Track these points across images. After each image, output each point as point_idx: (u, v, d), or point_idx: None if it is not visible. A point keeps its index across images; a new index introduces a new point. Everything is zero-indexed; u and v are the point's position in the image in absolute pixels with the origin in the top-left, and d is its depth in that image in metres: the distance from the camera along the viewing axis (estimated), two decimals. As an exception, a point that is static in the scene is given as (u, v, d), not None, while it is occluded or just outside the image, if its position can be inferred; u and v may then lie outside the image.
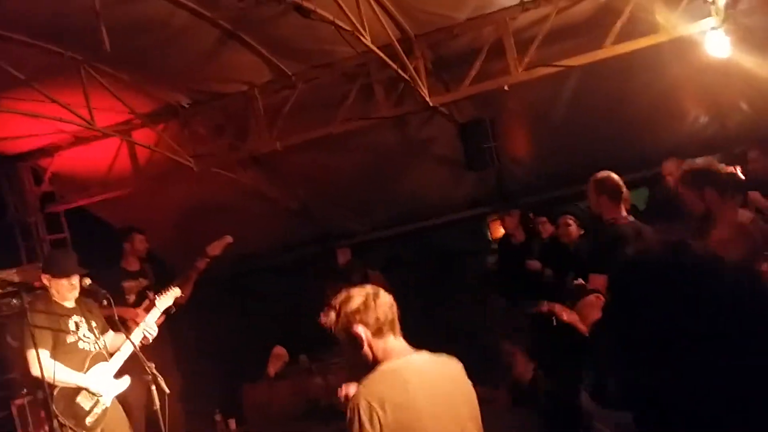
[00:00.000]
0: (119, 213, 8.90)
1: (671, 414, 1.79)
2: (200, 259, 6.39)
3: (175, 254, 8.57)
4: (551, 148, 7.99)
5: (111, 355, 5.18)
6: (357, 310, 2.71)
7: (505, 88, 6.51)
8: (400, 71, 6.25)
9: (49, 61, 6.18)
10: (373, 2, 5.78)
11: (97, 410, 5.00)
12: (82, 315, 5.13)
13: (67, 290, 5.01)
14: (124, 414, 5.35)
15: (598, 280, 3.64)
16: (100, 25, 5.03)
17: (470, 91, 6.60)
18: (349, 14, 5.29)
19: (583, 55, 6.31)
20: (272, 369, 8.86)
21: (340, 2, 5.14)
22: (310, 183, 8.79)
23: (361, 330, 2.68)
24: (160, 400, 4.75)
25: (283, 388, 8.75)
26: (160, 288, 5.70)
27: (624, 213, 4.78)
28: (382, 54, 5.94)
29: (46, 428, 5.29)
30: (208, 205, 8.65)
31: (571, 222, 6.77)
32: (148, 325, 5.33)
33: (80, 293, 5.13)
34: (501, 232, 8.26)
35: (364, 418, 2.51)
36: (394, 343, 2.73)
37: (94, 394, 4.97)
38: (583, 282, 3.75)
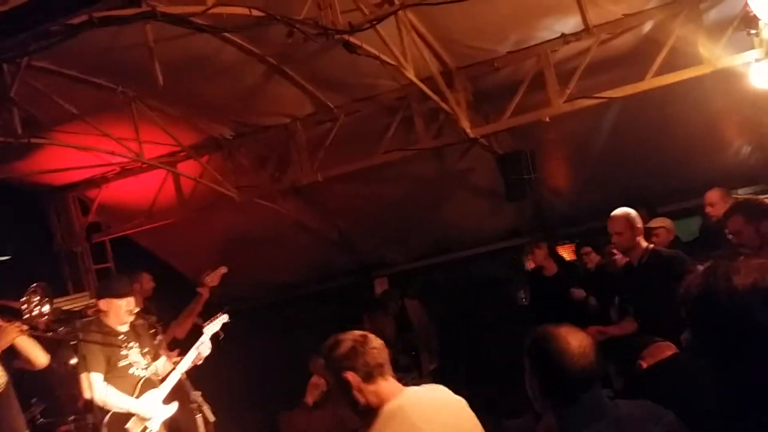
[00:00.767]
0: (162, 243, 9.10)
1: None
2: (200, 289, 6.50)
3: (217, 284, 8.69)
4: (590, 180, 8.00)
5: (162, 380, 5.27)
6: (345, 356, 2.70)
7: (546, 119, 6.56)
8: (441, 103, 6.35)
9: (101, 96, 6.39)
10: (416, 36, 5.91)
11: (146, 436, 5.07)
12: (135, 340, 5.23)
13: (124, 313, 5.13)
14: (170, 440, 5.43)
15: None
16: (153, 61, 5.19)
17: (511, 123, 6.67)
18: (393, 49, 5.42)
19: (625, 87, 6.34)
20: (310, 398, 8.86)
21: (384, 37, 5.27)
22: (350, 213, 8.89)
23: (349, 376, 2.67)
24: (206, 428, 4.83)
25: (321, 417, 8.72)
26: (208, 315, 5.78)
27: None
28: (424, 86, 6.04)
29: (95, 455, 5.35)
30: (249, 236, 8.78)
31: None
32: (202, 345, 5.43)
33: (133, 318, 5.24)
34: (532, 264, 8.23)
35: None
36: (386, 385, 2.71)
37: (144, 419, 5.05)
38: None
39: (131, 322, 5.26)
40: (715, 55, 6.02)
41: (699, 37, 6.06)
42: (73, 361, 5.00)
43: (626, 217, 4.94)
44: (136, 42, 5.29)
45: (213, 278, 6.54)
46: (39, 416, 5.99)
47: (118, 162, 7.66)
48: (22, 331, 4.18)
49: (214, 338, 5.57)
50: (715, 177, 7.16)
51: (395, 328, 9.01)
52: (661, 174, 7.60)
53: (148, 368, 5.24)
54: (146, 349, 5.28)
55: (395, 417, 2.63)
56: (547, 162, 7.79)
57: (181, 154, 7.74)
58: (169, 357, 5.37)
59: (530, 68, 6.60)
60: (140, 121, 6.65)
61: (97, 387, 4.71)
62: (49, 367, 4.77)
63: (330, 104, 7.16)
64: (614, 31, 6.33)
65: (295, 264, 9.30)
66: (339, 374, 2.70)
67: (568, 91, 6.45)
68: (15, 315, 4.19)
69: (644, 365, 3.55)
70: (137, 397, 5.07)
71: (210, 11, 3.91)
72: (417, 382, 4.23)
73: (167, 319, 6.51)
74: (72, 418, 6.15)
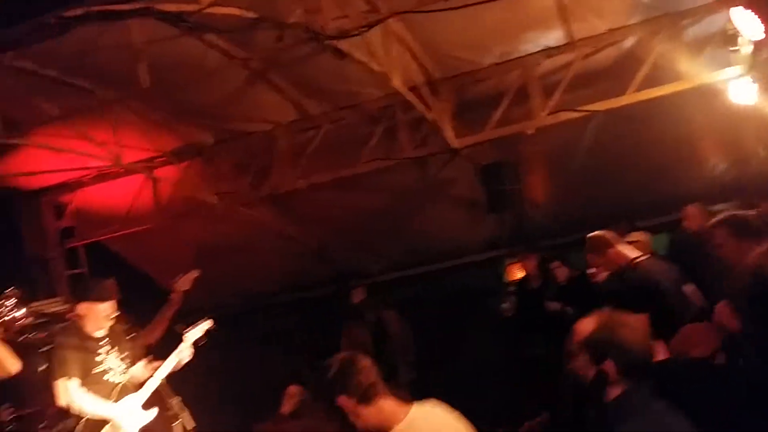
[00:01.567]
0: (137, 249, 8.96)
1: None
2: (172, 295, 6.35)
3: (192, 291, 8.57)
4: (571, 192, 8.05)
5: (140, 385, 5.17)
6: (334, 380, 2.59)
7: (530, 131, 6.60)
8: (425, 113, 6.35)
9: (80, 98, 6.30)
10: (402, 46, 5.91)
11: (121, 443, 4.96)
12: (113, 344, 5.13)
13: (103, 318, 5.02)
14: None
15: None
16: (138, 62, 5.15)
17: (494, 134, 6.70)
18: (380, 57, 5.42)
19: (607, 101, 6.41)
20: (287, 407, 8.77)
21: (371, 46, 5.28)
22: (329, 222, 8.84)
23: (343, 401, 2.56)
24: (182, 435, 4.75)
25: (295, 428, 8.64)
26: (188, 322, 5.69)
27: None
28: (409, 95, 6.05)
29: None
30: (226, 243, 8.69)
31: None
32: (182, 353, 5.34)
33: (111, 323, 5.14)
34: (518, 275, 8.26)
35: None
36: (387, 404, 2.59)
37: (120, 426, 4.94)
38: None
39: (109, 328, 5.17)
40: (695, 71, 6.12)
41: (679, 54, 6.15)
42: (44, 367, 4.87)
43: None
44: (119, 43, 5.24)
45: (184, 282, 6.36)
46: (9, 422, 5.87)
47: (95, 166, 7.54)
48: (-6, 337, 4.06)
49: (195, 344, 5.49)
50: (694, 192, 7.27)
51: (372, 338, 8.97)
52: (641, 188, 7.68)
53: (125, 374, 5.14)
54: (124, 354, 5.18)
55: None
56: (529, 174, 7.82)
57: (160, 159, 7.65)
58: (146, 363, 5.26)
59: (514, 80, 6.65)
60: (119, 125, 6.57)
61: (72, 393, 4.60)
62: (21, 374, 4.64)
63: (313, 112, 7.13)
64: (597, 45, 6.42)
65: (271, 272, 9.22)
66: (332, 401, 2.57)
67: (552, 104, 6.49)
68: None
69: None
70: (114, 402, 4.97)
71: (204, 11, 3.87)
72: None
73: (140, 326, 6.39)
74: (44, 424, 6.04)
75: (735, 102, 6.20)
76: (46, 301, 7.29)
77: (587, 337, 2.40)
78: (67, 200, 8.30)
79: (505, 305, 7.71)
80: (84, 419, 4.81)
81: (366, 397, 2.55)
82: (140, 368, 5.32)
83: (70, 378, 4.70)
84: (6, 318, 4.13)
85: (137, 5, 3.58)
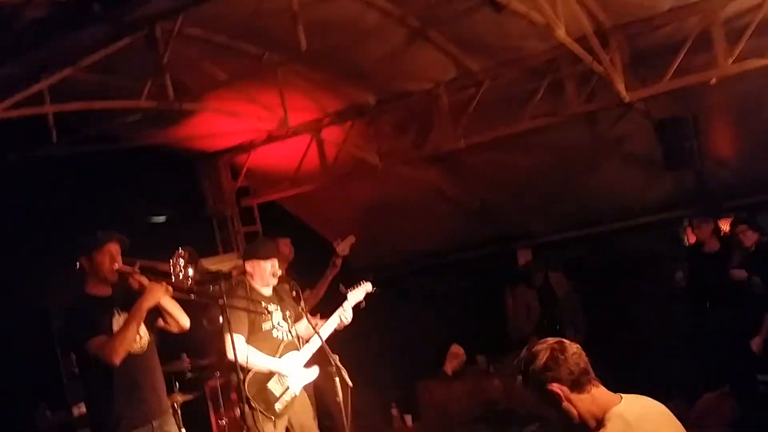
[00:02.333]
0: (307, 208, 9.27)
1: None
2: (334, 258, 6.48)
3: (358, 251, 8.75)
4: (758, 148, 7.29)
5: (303, 344, 5.34)
6: (546, 367, 2.51)
7: (712, 81, 6.01)
8: (594, 65, 5.95)
9: (247, 62, 6.51)
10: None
11: (287, 397, 5.16)
12: (278, 303, 5.32)
13: (268, 275, 5.22)
14: (310, 404, 5.51)
15: None
16: (297, 25, 5.20)
17: (672, 86, 6.15)
18: (544, 6, 5.09)
19: (805, 44, 5.67)
20: (449, 367, 8.81)
21: (534, -6, 4.97)
22: (492, 182, 8.64)
23: (556, 388, 2.49)
24: (342, 393, 4.84)
25: (460, 387, 8.68)
26: (351, 282, 5.79)
27: None
28: (576, 47, 5.67)
29: (237, 411, 5.53)
30: (390, 203, 8.75)
31: None
32: (344, 312, 5.46)
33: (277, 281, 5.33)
34: (697, 238, 7.66)
35: None
36: (599, 392, 2.52)
37: (284, 379, 5.13)
38: None
39: (274, 286, 5.36)
40: None
41: None
42: (214, 322, 5.12)
43: None
44: (280, 7, 5.33)
45: (344, 247, 6.58)
46: (187, 371, 6.31)
47: (265, 129, 7.83)
48: (167, 292, 4.30)
49: (356, 307, 5.58)
50: None
51: (539, 301, 8.75)
52: None
53: (291, 331, 5.32)
54: (288, 313, 5.36)
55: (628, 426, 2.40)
56: (711, 128, 7.16)
57: (326, 120, 7.79)
58: (310, 322, 5.41)
59: (694, 26, 6.04)
60: (285, 88, 6.72)
61: (239, 348, 4.81)
62: (195, 328, 4.90)
63: (474, 68, 6.92)
64: (793, -19, 5.66)
65: (434, 233, 9.18)
66: (543, 388, 2.52)
67: (737, 51, 5.84)
68: (162, 277, 4.31)
69: None
70: (279, 357, 5.17)
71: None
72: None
73: (309, 283, 6.61)
74: (218, 374, 6.45)
75: None
76: (217, 257, 7.76)
77: None
78: (242, 161, 8.69)
79: (678, 274, 7.18)
80: (251, 372, 5.05)
81: (578, 384, 2.50)
82: (304, 326, 5.49)
83: (236, 333, 4.91)
84: (179, 275, 4.33)
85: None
